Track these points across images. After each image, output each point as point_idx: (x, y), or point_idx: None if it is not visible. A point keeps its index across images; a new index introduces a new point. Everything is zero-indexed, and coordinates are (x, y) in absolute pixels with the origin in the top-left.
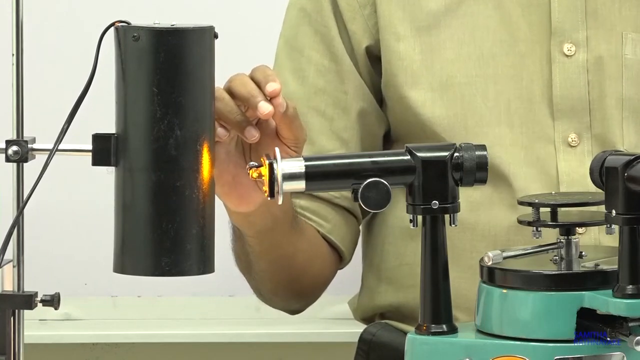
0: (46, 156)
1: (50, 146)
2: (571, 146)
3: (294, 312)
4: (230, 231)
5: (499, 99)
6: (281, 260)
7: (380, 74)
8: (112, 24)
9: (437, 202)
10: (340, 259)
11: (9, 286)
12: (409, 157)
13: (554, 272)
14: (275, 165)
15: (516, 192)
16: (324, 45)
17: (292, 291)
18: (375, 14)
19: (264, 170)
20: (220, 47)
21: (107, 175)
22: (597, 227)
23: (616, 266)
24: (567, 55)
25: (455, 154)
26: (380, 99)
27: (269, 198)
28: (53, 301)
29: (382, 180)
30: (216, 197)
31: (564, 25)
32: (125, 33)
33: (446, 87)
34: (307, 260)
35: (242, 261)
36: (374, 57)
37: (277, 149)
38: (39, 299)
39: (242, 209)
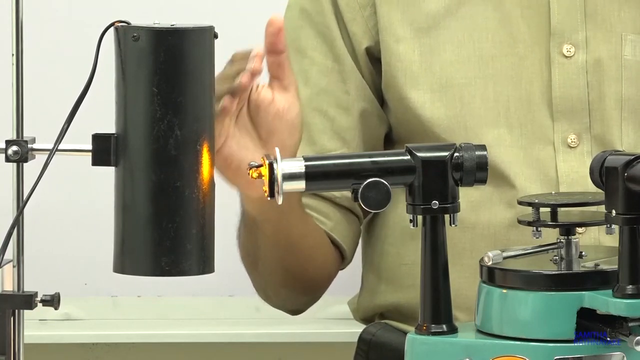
0: (46, 156)
1: (50, 146)
2: (570, 147)
3: (295, 311)
4: (239, 225)
5: (498, 100)
6: (292, 245)
7: (380, 74)
8: (112, 24)
9: (437, 202)
10: (342, 258)
11: (9, 286)
12: (409, 157)
13: (554, 272)
14: (275, 165)
15: (516, 193)
16: (326, 46)
17: (299, 280)
18: (375, 15)
19: (264, 170)
20: (220, 47)
21: (107, 174)
22: (597, 227)
23: (616, 266)
24: (566, 56)
25: (455, 154)
26: (381, 100)
27: (268, 198)
28: (53, 301)
29: (382, 180)
30: (216, 197)
31: (564, 27)
32: (125, 33)
33: (446, 88)
34: (315, 245)
35: (250, 256)
36: (374, 58)
37: (277, 149)
38: (39, 299)
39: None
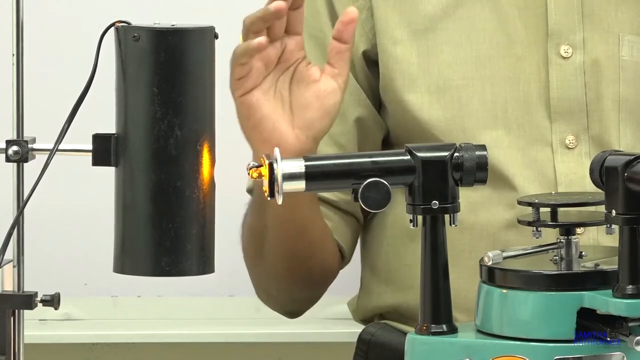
0: (46, 156)
1: (50, 146)
2: (568, 148)
3: (294, 313)
4: (247, 208)
5: (496, 101)
6: (298, 231)
7: (377, 78)
8: (112, 24)
9: (437, 202)
10: (342, 258)
11: (9, 286)
12: (409, 157)
13: (554, 272)
14: (275, 165)
15: (514, 194)
16: (319, 50)
17: (303, 270)
18: (372, 18)
19: (264, 170)
20: (220, 47)
21: (107, 174)
22: (597, 227)
23: (616, 266)
24: (564, 57)
25: (455, 154)
26: (378, 104)
27: (268, 198)
28: (53, 301)
29: (382, 180)
30: (216, 197)
31: (561, 27)
32: (125, 33)
33: (443, 90)
34: (320, 237)
35: (256, 238)
36: (371, 62)
37: (276, 149)
38: (39, 299)
39: (326, 121)
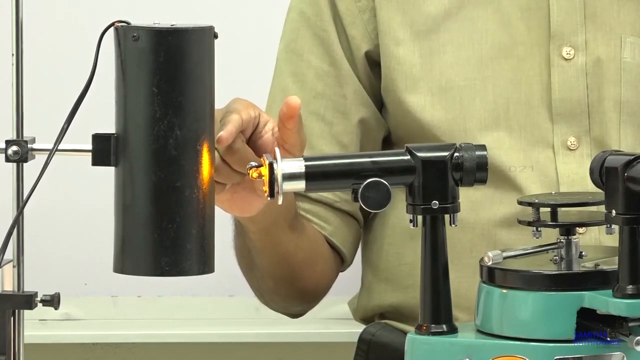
0: (46, 156)
1: (50, 146)
2: (570, 149)
3: (294, 315)
4: (233, 227)
5: (497, 103)
6: (282, 257)
7: (379, 78)
8: (112, 24)
9: (437, 202)
10: (342, 261)
11: (9, 286)
12: (409, 157)
13: (554, 272)
14: (275, 165)
15: (515, 194)
16: (322, 49)
17: (293, 290)
18: (375, 18)
19: (264, 170)
20: (220, 47)
21: (107, 175)
22: (597, 227)
23: (616, 266)
24: (566, 59)
25: (455, 154)
26: (380, 104)
27: (268, 198)
28: (53, 301)
29: (382, 180)
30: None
31: (563, 29)
32: (125, 33)
33: (445, 91)
34: (307, 259)
35: (244, 258)
36: (373, 62)
37: (277, 149)
38: (39, 299)
39: (245, 215)
